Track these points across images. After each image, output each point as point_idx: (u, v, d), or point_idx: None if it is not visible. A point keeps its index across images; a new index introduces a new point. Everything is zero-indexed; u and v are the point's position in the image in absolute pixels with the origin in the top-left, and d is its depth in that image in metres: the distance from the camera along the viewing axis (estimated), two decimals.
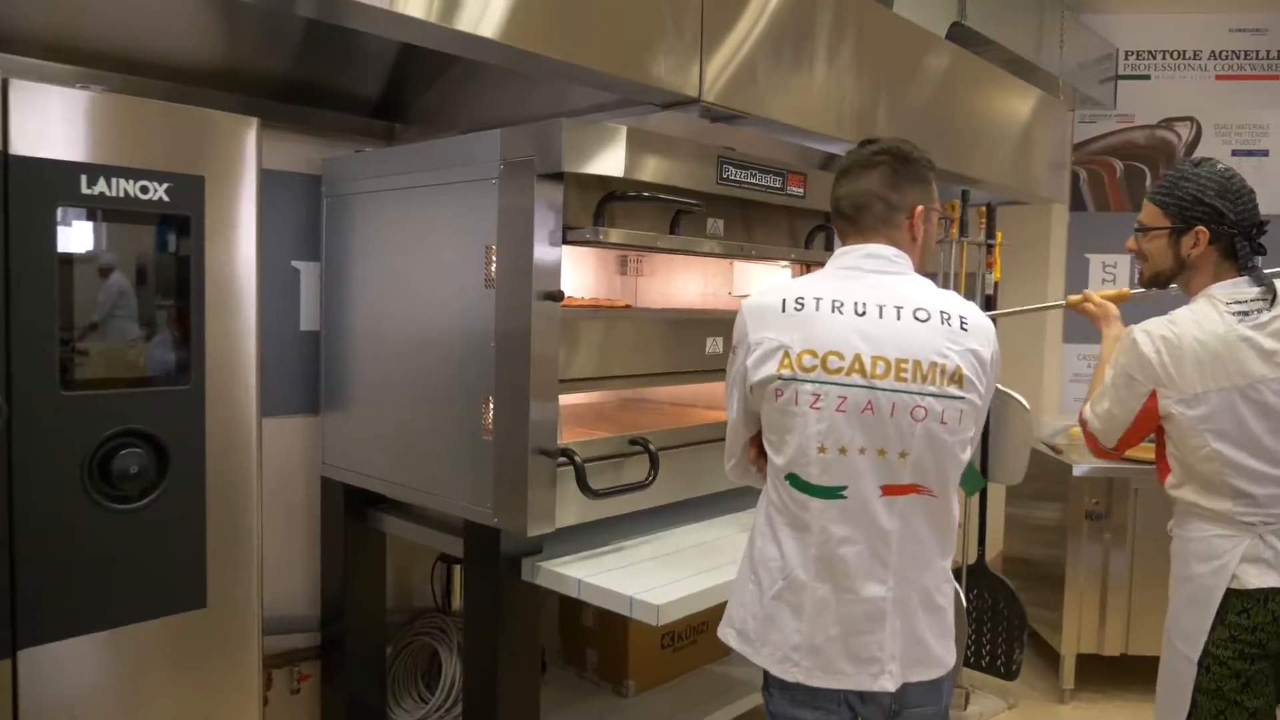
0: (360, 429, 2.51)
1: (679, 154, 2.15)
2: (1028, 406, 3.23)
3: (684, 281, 3.19)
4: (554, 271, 2.02)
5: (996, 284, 3.32)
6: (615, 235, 2.05)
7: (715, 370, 2.51)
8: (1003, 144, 3.50)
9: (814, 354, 1.55)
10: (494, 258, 2.07)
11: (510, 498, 2.05)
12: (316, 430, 2.65)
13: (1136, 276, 2.22)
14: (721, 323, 2.52)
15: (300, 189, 2.63)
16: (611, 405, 3.05)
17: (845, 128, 2.68)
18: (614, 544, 2.27)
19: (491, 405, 2.09)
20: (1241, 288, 1.98)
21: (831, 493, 1.56)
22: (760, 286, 1.69)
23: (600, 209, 2.03)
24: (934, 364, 1.55)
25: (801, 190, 2.50)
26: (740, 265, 3.06)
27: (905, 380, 1.54)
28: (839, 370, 1.54)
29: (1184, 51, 4.49)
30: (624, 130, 1.99)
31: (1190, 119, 4.52)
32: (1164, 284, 2.11)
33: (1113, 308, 2.31)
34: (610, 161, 1.99)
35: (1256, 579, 1.95)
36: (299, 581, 2.71)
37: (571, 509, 2.11)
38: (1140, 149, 4.60)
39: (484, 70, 2.40)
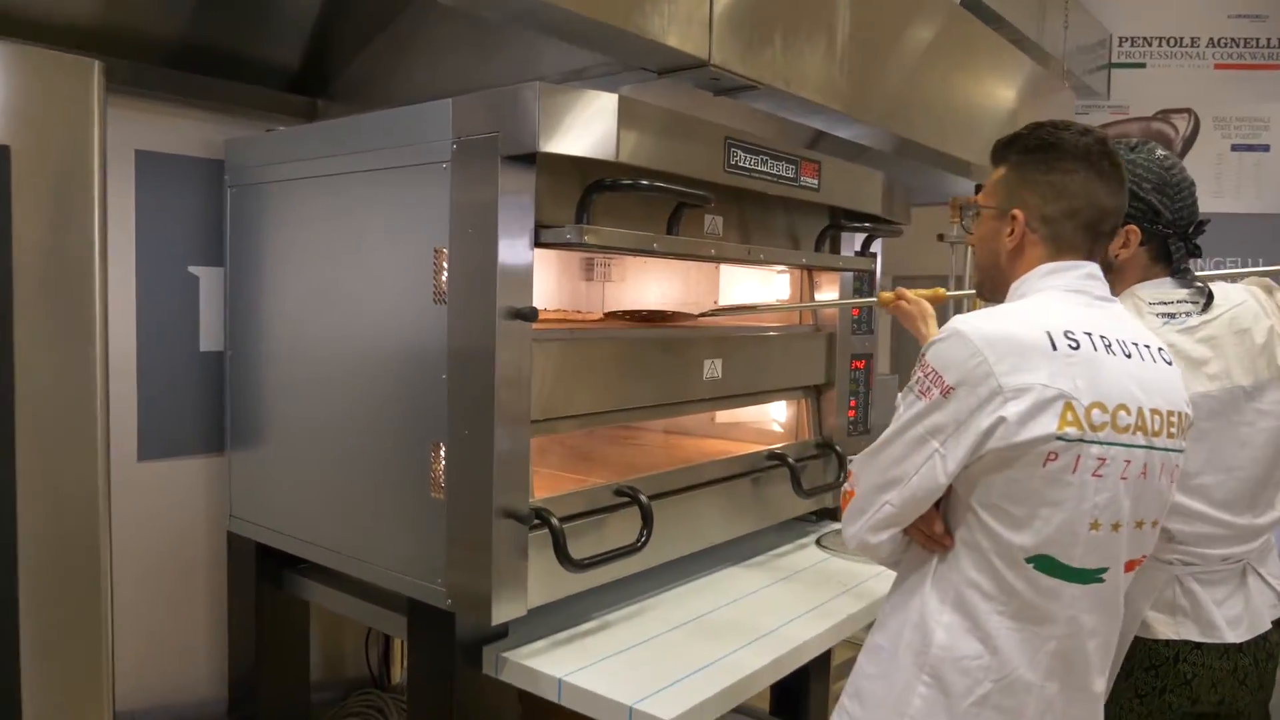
0: (275, 475, 2.02)
1: (682, 133, 1.71)
2: None
3: (661, 289, 2.75)
4: (524, 282, 1.57)
5: None
6: (604, 236, 1.60)
7: (714, 399, 2.08)
8: (1003, 129, 3.13)
9: (1104, 408, 1.26)
10: (445, 265, 1.61)
11: (468, 573, 1.59)
12: (222, 474, 2.15)
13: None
14: (722, 341, 2.08)
15: (200, 177, 2.12)
16: (585, 434, 2.60)
17: (858, 105, 2.27)
18: (596, 615, 1.82)
19: (443, 453, 1.62)
20: (1166, 288, 1.68)
21: (1091, 576, 1.29)
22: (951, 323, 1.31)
23: (585, 201, 1.58)
24: (1184, 415, 1.36)
25: (815, 181, 2.08)
26: (729, 270, 2.63)
27: (1173, 436, 1.33)
28: (1127, 429, 1.27)
29: (1181, 38, 4.20)
30: (615, 99, 1.54)
31: (1188, 111, 4.23)
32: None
33: (928, 306, 1.97)
34: (598, 139, 1.54)
35: (1167, 629, 1.62)
36: (202, 659, 2.20)
37: (546, 584, 1.66)
38: None
39: (429, 28, 1.93)
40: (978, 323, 1.27)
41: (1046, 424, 1.22)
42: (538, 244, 1.58)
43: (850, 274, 2.50)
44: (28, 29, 1.82)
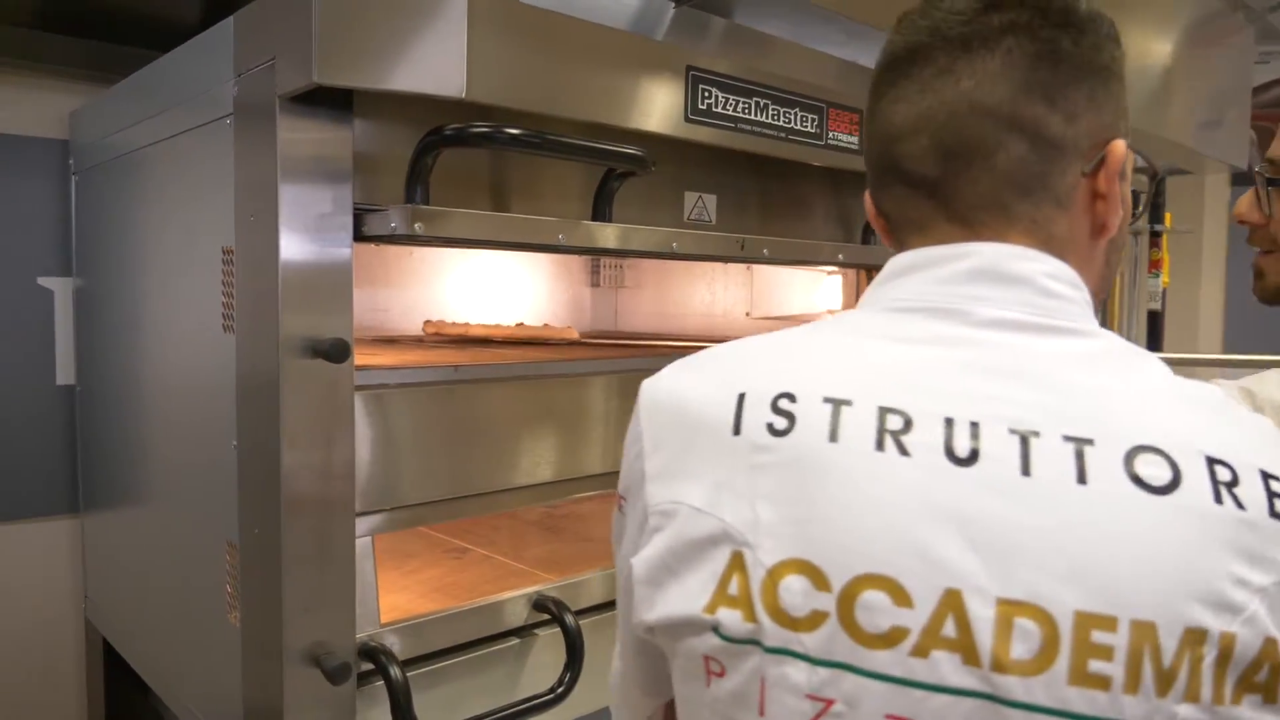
0: (115, 554, 1.52)
1: (598, 54, 1.09)
2: None
3: (681, 296, 2.13)
4: (332, 298, 0.99)
5: (1165, 292, 2.17)
6: (456, 223, 1.01)
7: None
8: (1173, 83, 2.34)
9: (819, 577, 0.57)
10: (235, 271, 1.05)
11: None
12: (75, 541, 1.67)
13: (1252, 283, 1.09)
14: None
15: (50, 163, 1.65)
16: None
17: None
18: None
19: (239, 559, 1.07)
20: None
21: None
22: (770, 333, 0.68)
23: (418, 168, 0.99)
24: (1191, 631, 0.52)
25: (856, 140, 1.43)
26: (763, 270, 1.99)
27: (1106, 679, 0.52)
28: (892, 636, 0.55)
29: None
30: None
31: None
32: None
33: None
34: (431, 64, 0.94)
35: None
36: None
37: None
38: None
39: None
40: (667, 374, 0.69)
41: (693, 594, 0.60)
42: (360, 237, 1.01)
43: None
44: None
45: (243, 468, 1.05)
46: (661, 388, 0.67)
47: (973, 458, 0.56)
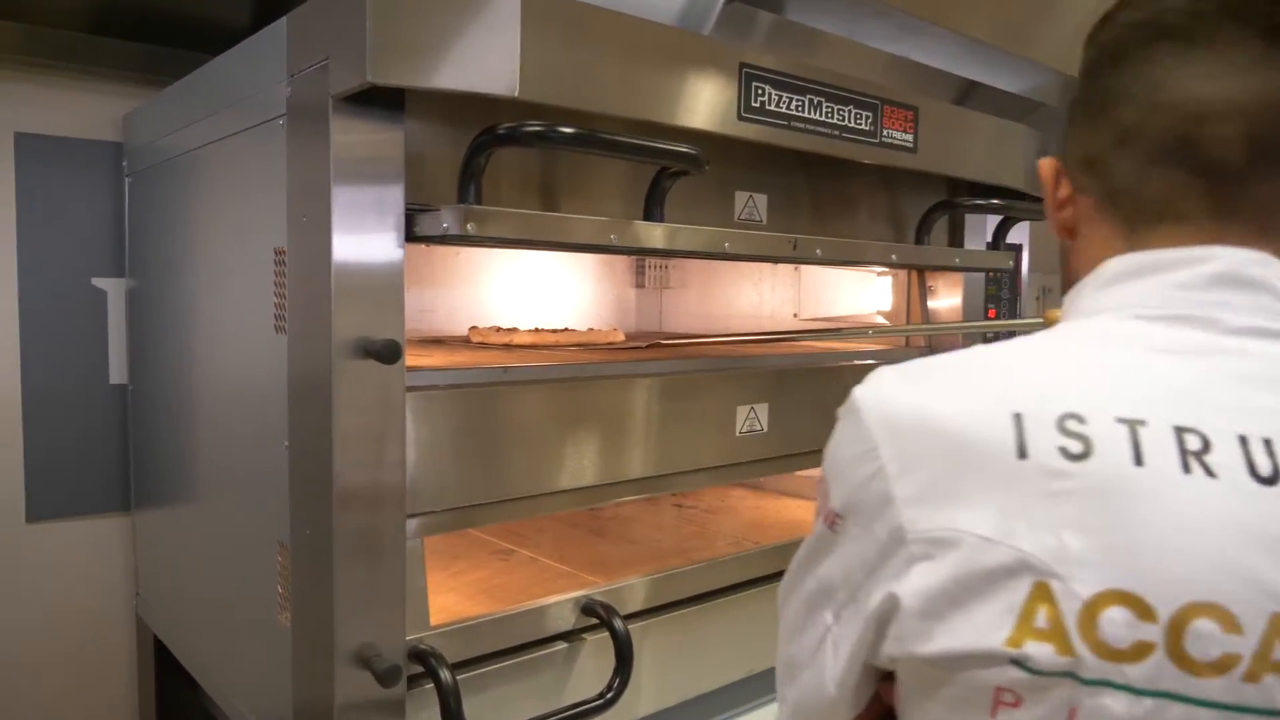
0: (167, 552, 1.54)
1: (651, 52, 1.07)
2: None
3: (727, 297, 2.11)
4: (382, 299, 0.99)
5: None
6: (505, 224, 1.00)
7: (750, 463, 1.42)
8: None
9: (1143, 607, 0.54)
10: (287, 272, 1.05)
11: None
12: (127, 539, 1.69)
13: None
14: (771, 376, 1.42)
15: (105, 165, 1.68)
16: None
17: (1016, 37, 1.56)
18: None
19: (290, 560, 1.07)
20: None
21: None
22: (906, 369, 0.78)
23: (470, 167, 0.98)
24: None
25: (910, 138, 1.40)
26: (811, 271, 1.96)
27: None
28: (1217, 665, 0.54)
29: None
30: None
31: None
32: None
33: None
34: (485, 62, 0.93)
35: None
36: None
37: None
38: None
39: None
40: (892, 386, 0.64)
41: (986, 627, 0.56)
42: (411, 238, 1.00)
43: (983, 274, 1.78)
44: None
45: (294, 468, 1.05)
46: (900, 402, 0.62)
47: (1276, 477, 0.55)
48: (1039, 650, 0.55)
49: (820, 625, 0.66)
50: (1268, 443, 0.56)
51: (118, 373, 1.69)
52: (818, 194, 1.48)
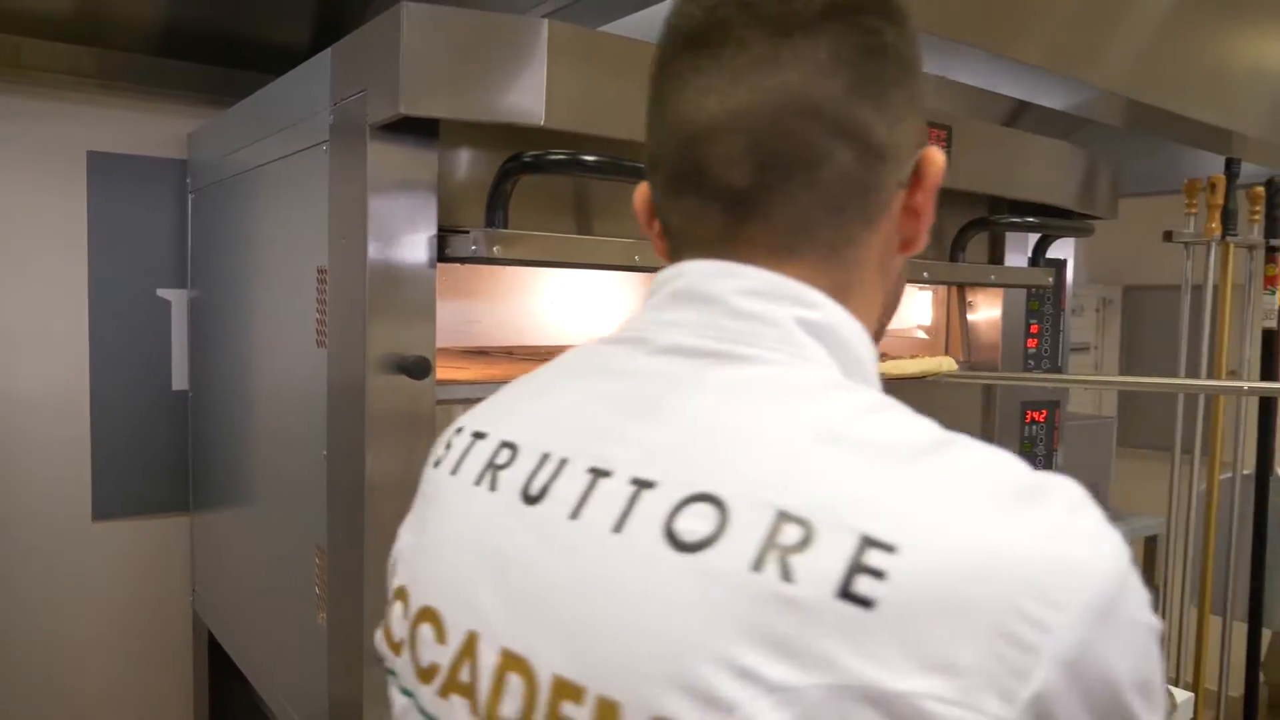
0: (219, 550, 1.61)
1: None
2: None
3: None
4: (415, 316, 1.03)
5: None
6: (528, 246, 1.04)
7: None
8: None
9: (405, 599, 0.57)
10: (328, 290, 1.11)
11: None
12: (185, 538, 1.78)
13: None
14: None
15: (169, 182, 1.77)
16: None
17: (1053, 56, 1.55)
18: None
19: (326, 565, 1.12)
20: None
21: None
22: None
23: (498, 192, 1.02)
24: None
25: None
26: None
27: None
28: (429, 672, 0.53)
29: None
30: (545, 26, 0.97)
31: None
32: None
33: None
34: (515, 94, 0.98)
35: None
36: None
37: None
38: None
39: None
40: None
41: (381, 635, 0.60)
42: (443, 258, 1.05)
43: (1025, 290, 1.77)
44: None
45: (331, 477, 1.10)
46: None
47: (540, 496, 0.51)
48: (385, 653, 0.59)
49: None
50: (563, 463, 0.51)
51: (179, 379, 1.78)
52: None
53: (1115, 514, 2.66)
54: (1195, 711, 2.10)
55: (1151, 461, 2.70)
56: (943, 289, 1.83)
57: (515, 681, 0.47)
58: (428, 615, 0.53)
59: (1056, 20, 1.58)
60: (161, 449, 1.77)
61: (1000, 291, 1.75)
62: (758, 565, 0.42)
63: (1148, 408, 3.22)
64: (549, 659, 0.46)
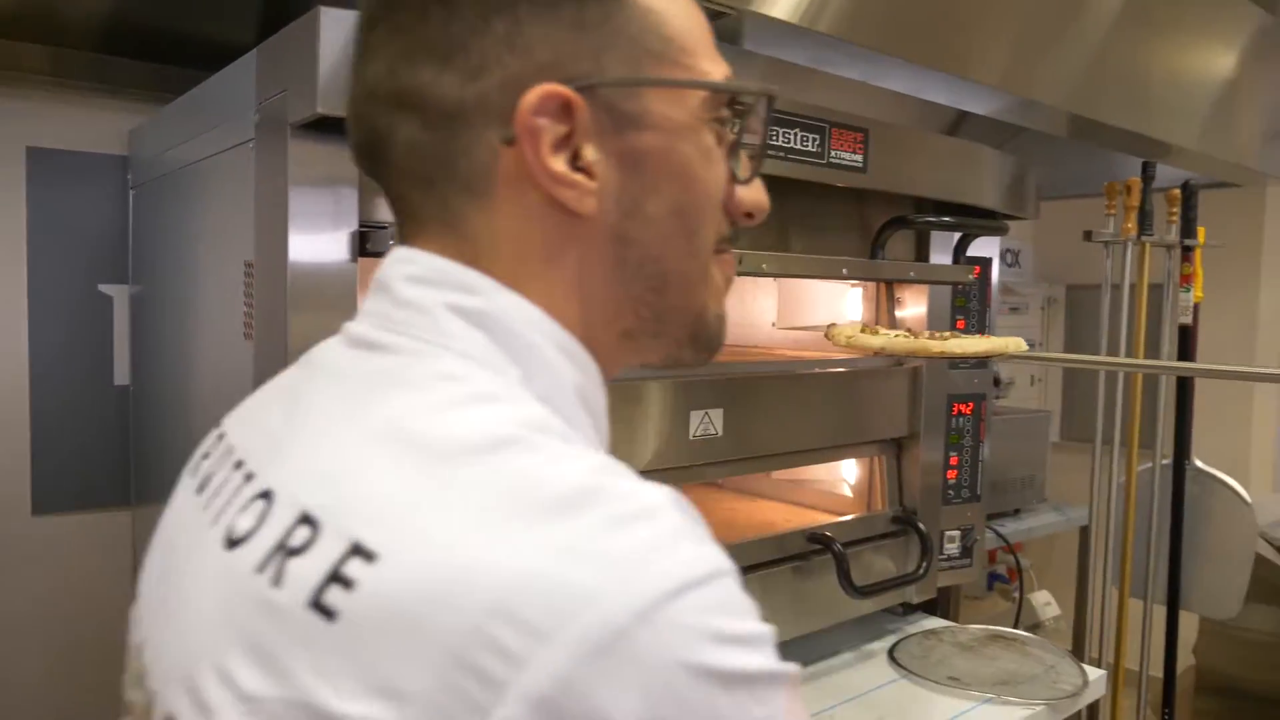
0: None
1: None
2: (1249, 500, 2.06)
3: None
4: (337, 307, 1.07)
5: (1197, 306, 2.14)
6: None
7: (710, 464, 1.50)
8: (1204, 92, 2.31)
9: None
10: (254, 284, 1.14)
11: None
12: (127, 532, 1.80)
13: None
14: (731, 383, 1.50)
15: (111, 177, 1.78)
16: None
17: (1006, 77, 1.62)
18: None
19: None
20: None
21: None
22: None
23: None
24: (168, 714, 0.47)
25: (860, 159, 1.46)
26: (789, 282, 2.03)
27: None
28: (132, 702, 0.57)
29: None
30: None
31: None
32: None
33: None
34: None
35: None
36: None
37: None
38: None
39: None
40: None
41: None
42: (364, 253, 1.08)
43: (950, 287, 1.84)
44: None
45: None
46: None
47: (203, 486, 0.55)
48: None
49: None
50: (228, 452, 0.53)
51: (121, 374, 1.80)
52: (779, 210, 1.54)
53: (1053, 505, 2.75)
54: (1114, 689, 2.19)
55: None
56: (871, 285, 1.89)
57: (155, 691, 0.49)
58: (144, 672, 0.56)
59: (1005, 42, 1.65)
60: (104, 444, 1.79)
61: (926, 288, 1.81)
62: (261, 567, 0.41)
63: (1089, 402, 3.32)
64: (166, 658, 0.48)
